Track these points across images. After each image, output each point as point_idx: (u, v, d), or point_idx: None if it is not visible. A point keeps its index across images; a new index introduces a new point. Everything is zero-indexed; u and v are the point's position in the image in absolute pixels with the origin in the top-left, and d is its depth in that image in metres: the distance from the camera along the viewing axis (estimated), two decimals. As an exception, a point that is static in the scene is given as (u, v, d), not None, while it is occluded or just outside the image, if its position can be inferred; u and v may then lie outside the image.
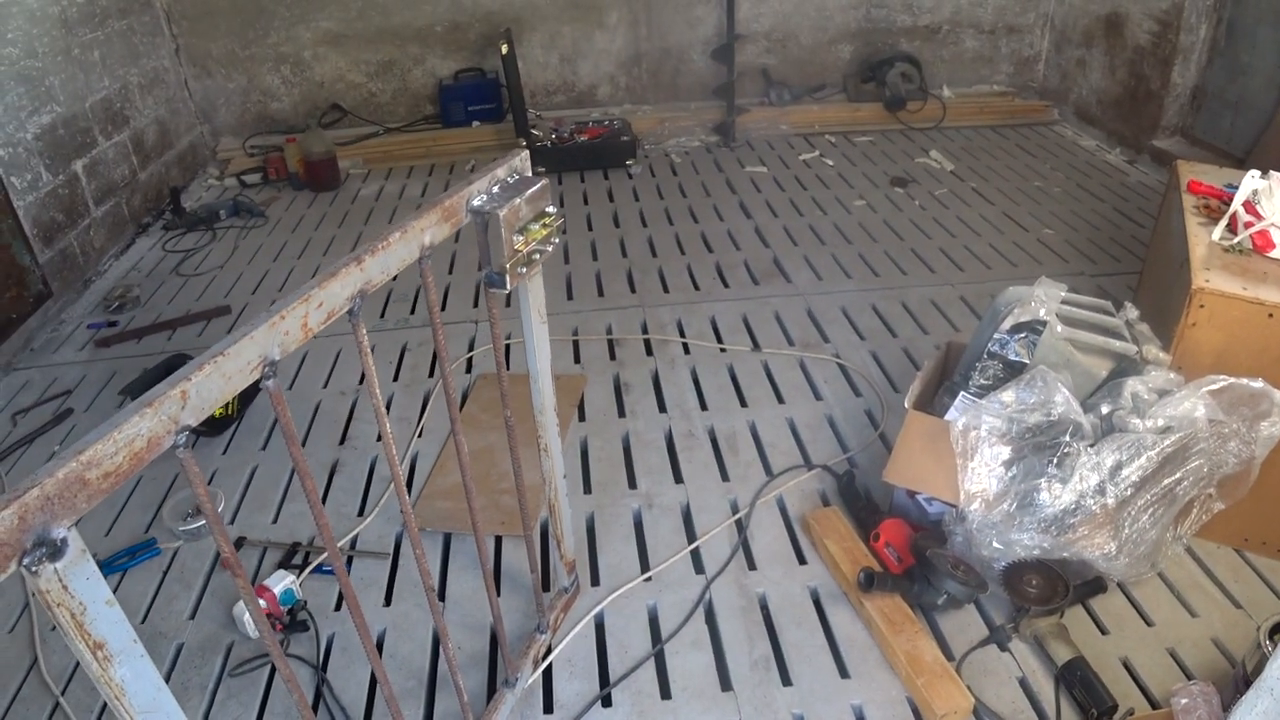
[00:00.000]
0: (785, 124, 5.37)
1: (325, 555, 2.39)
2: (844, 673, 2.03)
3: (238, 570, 1.10)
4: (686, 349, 3.21)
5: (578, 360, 3.18)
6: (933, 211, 4.31)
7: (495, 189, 1.55)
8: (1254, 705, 0.91)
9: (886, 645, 2.04)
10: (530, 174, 1.65)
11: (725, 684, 2.02)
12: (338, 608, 2.27)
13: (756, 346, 3.20)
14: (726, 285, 3.64)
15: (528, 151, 1.67)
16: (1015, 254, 3.86)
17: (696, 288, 3.62)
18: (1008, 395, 2.01)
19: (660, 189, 4.61)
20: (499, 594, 2.27)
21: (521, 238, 1.55)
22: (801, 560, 2.31)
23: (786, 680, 2.02)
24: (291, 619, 2.22)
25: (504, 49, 4.64)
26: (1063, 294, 2.15)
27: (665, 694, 2.00)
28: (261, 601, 2.19)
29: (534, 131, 4.85)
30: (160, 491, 2.65)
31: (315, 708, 2.03)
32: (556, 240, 1.67)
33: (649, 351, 3.21)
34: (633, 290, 3.61)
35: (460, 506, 2.52)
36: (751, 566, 2.30)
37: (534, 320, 1.78)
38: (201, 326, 3.58)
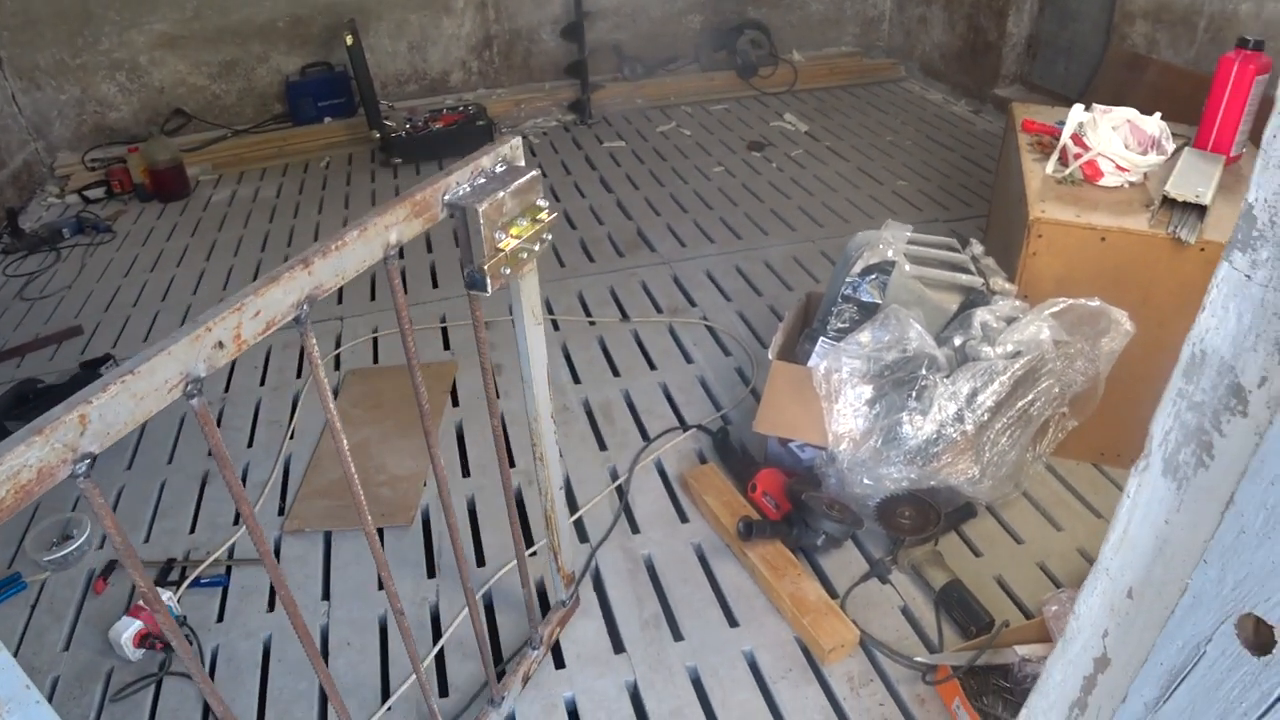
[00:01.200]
0: (641, 98, 5.39)
1: (201, 569, 2.32)
2: (733, 621, 2.07)
3: (157, 605, 1.03)
4: (556, 325, 3.21)
5: (448, 347, 3.14)
6: (790, 172, 4.39)
7: (479, 180, 1.40)
8: (1094, 587, 0.95)
9: (771, 590, 2.08)
10: (522, 163, 1.51)
11: (618, 646, 2.03)
12: (220, 619, 2.21)
13: (625, 317, 3.22)
14: (592, 260, 3.64)
15: (519, 139, 1.52)
16: (871, 206, 3.96)
17: (562, 265, 3.61)
18: (864, 336, 2.06)
19: (521, 171, 4.58)
20: (380, 586, 2.24)
21: (506, 235, 1.40)
22: (683, 519, 2.34)
23: (678, 635, 2.04)
24: (172, 636, 2.15)
25: (349, 40, 4.54)
26: (909, 234, 2.22)
27: (559, 664, 2.01)
28: (139, 623, 2.11)
29: (387, 122, 4.75)
30: (20, 523, 2.52)
31: (204, 723, 1.97)
32: (549, 237, 1.52)
33: (519, 331, 3.19)
34: (499, 272, 3.58)
35: (341, 504, 2.47)
36: (635, 530, 2.32)
37: (527, 321, 1.65)
38: (53, 350, 3.41)
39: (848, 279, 2.12)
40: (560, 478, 1.90)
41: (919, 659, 1.93)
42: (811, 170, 4.40)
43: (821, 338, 2.16)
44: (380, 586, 2.24)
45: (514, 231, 1.42)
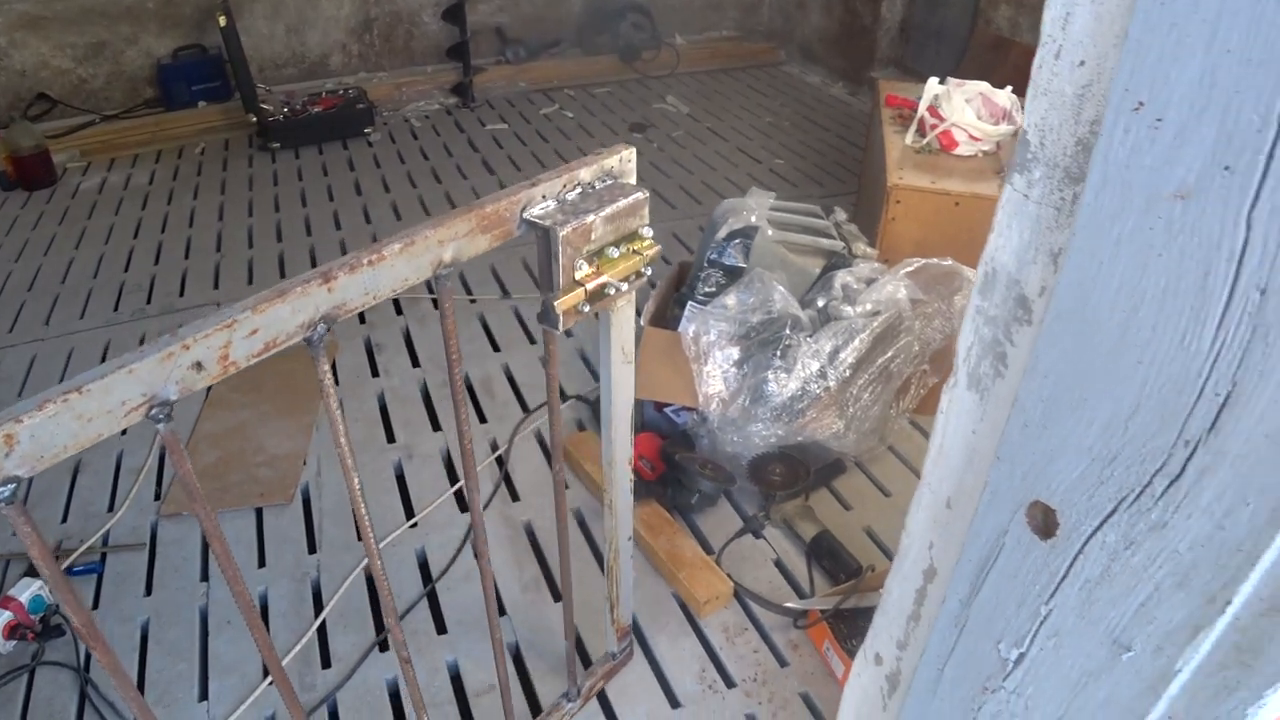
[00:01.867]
0: (524, 81, 5.39)
1: (75, 557, 2.27)
2: (610, 582, 2.12)
3: (95, 641, 0.92)
4: (436, 305, 3.20)
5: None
6: (670, 152, 4.45)
7: (570, 195, 1.19)
8: (919, 503, 1.02)
9: (648, 548, 2.14)
10: (632, 179, 1.28)
11: (500, 610, 2.06)
12: (95, 606, 2.17)
13: (506, 294, 3.24)
14: (474, 239, 3.64)
15: (633, 150, 1.29)
16: (749, 184, 4.03)
17: (445, 244, 3.60)
18: (730, 299, 2.13)
19: (402, 154, 4.54)
20: (261, 564, 2.23)
21: (591, 266, 1.19)
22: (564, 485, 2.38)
23: (558, 596, 2.08)
24: (44, 625, 2.11)
25: (222, 21, 4.44)
26: (772, 202, 2.29)
27: (441, 629, 2.03)
28: (8, 613, 2.06)
29: (264, 106, 4.66)
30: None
31: (81, 710, 1.94)
32: (649, 270, 1.29)
33: (399, 311, 3.18)
34: (380, 254, 3.55)
35: (218, 486, 2.44)
36: (515, 498, 2.35)
37: (615, 359, 1.42)
38: (-92, 346, 3.27)
39: (713, 244, 2.18)
40: (629, 527, 1.69)
41: (789, 605, 2.00)
42: (691, 150, 4.47)
43: (690, 302, 2.22)
44: (261, 564, 2.24)
45: (603, 263, 1.20)
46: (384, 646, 2.00)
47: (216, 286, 3.44)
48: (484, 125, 4.87)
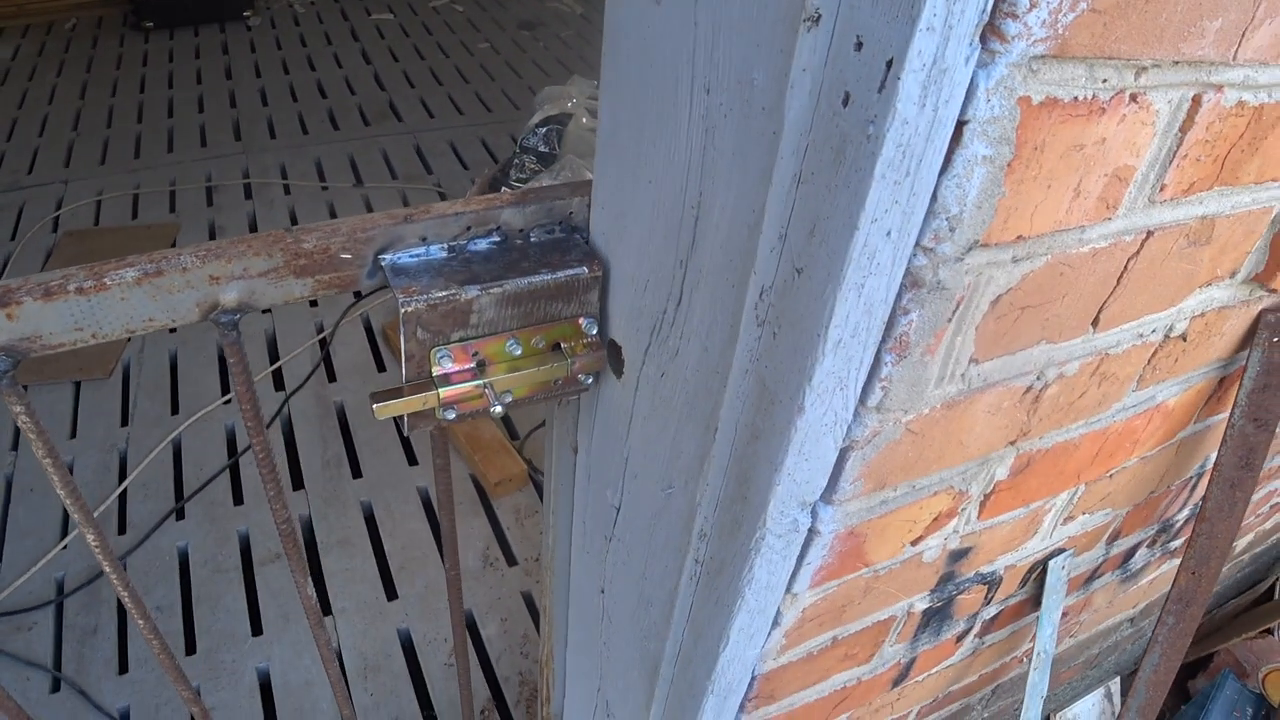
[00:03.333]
0: (418, -28, 5.27)
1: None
2: (412, 460, 2.16)
3: None
4: (287, 190, 3.17)
5: (173, 210, 3.07)
6: (555, 51, 4.40)
7: (478, 244, 0.76)
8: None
9: (451, 431, 2.18)
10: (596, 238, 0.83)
11: (298, 484, 2.10)
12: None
13: (359, 182, 3.21)
14: (336, 128, 3.58)
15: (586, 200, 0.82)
16: (628, 87, 4.02)
17: (305, 132, 3.54)
18: (542, 183, 2.14)
19: (280, 40, 4.42)
20: (73, 435, 2.23)
21: (461, 361, 0.76)
22: (381, 368, 2.40)
23: (357, 473, 2.13)
24: None
25: (91, -108, 4.26)
26: (593, 89, 2.29)
27: (238, 500, 2.06)
28: None
29: (137, -17, 4.50)
30: None
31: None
32: (588, 382, 0.88)
33: (248, 195, 3.14)
34: (238, 139, 3.49)
35: (35, 358, 2.42)
36: (332, 379, 2.37)
37: (562, 454, 1.05)
38: None
39: (526, 130, 2.19)
40: (564, 632, 1.36)
41: (578, 487, 2.06)
42: (577, 51, 4.42)
43: (504, 186, 2.23)
44: (73, 435, 2.24)
45: (493, 360, 0.78)
46: (180, 515, 2.03)
47: (68, 165, 3.35)
48: (369, 15, 4.76)
